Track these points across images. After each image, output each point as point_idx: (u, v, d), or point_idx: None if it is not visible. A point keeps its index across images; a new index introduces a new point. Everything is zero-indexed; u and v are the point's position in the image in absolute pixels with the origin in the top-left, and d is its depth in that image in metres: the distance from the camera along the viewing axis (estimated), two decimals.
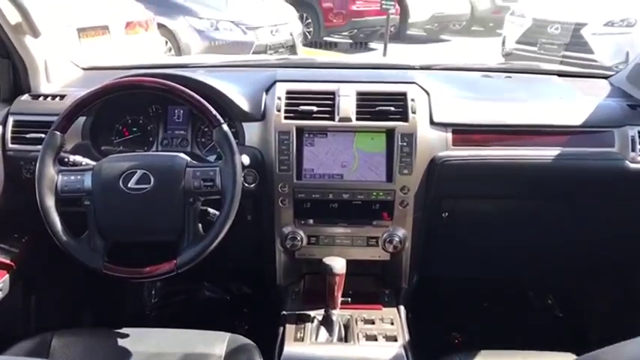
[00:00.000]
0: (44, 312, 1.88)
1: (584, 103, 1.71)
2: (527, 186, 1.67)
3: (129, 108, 1.73)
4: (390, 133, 1.59)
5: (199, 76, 1.67)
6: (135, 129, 1.76)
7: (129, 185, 1.38)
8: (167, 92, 1.44)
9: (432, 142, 1.60)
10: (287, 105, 1.61)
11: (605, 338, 2.00)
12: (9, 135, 1.67)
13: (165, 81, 1.45)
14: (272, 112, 1.61)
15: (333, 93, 1.62)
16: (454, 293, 2.17)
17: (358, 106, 1.60)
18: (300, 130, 1.59)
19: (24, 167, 1.65)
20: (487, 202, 1.73)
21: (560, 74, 2.02)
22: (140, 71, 1.68)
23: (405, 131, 1.57)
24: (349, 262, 1.47)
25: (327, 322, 1.52)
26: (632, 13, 6.79)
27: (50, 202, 1.37)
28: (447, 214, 1.70)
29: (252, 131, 1.64)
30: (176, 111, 1.76)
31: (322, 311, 1.53)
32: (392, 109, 1.60)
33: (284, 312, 1.59)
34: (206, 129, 1.73)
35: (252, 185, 1.60)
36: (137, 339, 1.46)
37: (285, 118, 1.60)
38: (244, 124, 1.65)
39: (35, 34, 1.65)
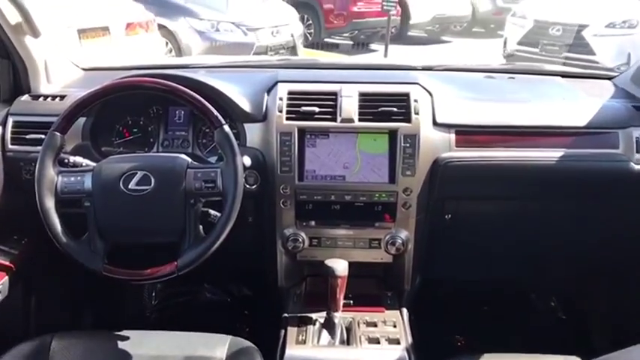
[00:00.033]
0: (44, 314, 1.87)
1: (588, 104, 1.70)
2: (530, 187, 1.65)
3: (129, 109, 1.72)
4: (392, 134, 1.57)
5: (200, 76, 1.66)
6: (135, 130, 1.75)
7: (129, 186, 1.37)
8: (168, 93, 1.43)
9: (435, 143, 1.59)
10: (289, 106, 1.60)
11: (609, 340, 2.01)
12: (9, 136, 1.66)
13: (166, 81, 1.43)
14: (273, 113, 1.60)
15: (335, 93, 1.61)
16: (456, 295, 2.16)
17: (360, 106, 1.59)
18: (301, 131, 1.58)
19: (24, 168, 1.63)
20: (490, 203, 1.71)
21: (564, 75, 2.01)
22: (141, 72, 1.67)
23: (407, 132, 1.56)
24: (351, 264, 1.46)
25: (329, 325, 1.50)
26: (634, 15, 6.78)
27: (50, 203, 1.36)
28: (449, 215, 1.69)
29: (253, 132, 1.63)
30: (177, 112, 1.75)
31: (324, 314, 1.52)
32: (395, 109, 1.58)
33: (285, 314, 1.58)
34: (207, 130, 1.72)
35: (253, 186, 1.59)
36: (137, 341, 1.45)
37: (287, 118, 1.58)
38: (245, 125, 1.63)
39: (35, 34, 1.64)
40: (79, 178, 1.39)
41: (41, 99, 1.73)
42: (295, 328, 1.51)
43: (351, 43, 9.92)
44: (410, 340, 1.50)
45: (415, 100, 1.59)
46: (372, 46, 9.76)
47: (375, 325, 1.53)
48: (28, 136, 1.64)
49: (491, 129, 1.63)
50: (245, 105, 1.64)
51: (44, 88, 1.77)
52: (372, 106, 1.59)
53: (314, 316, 1.54)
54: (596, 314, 2.13)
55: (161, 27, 6.72)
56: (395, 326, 1.54)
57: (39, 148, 1.40)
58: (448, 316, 2.16)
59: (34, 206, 1.36)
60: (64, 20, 5.09)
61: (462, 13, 11.28)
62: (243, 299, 2.31)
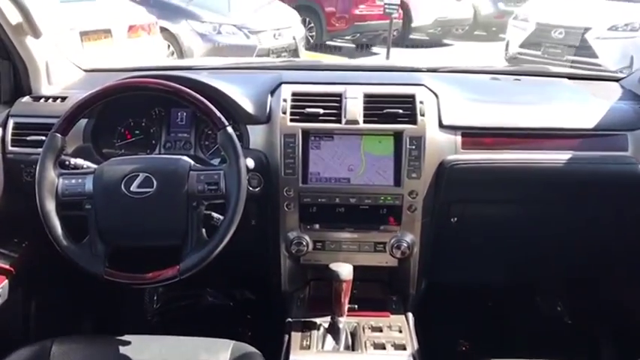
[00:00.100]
0: (44, 318, 1.85)
1: (595, 106, 1.68)
2: (537, 190, 1.63)
3: (131, 110, 1.71)
4: (398, 136, 1.55)
5: (203, 77, 1.64)
6: (137, 132, 1.73)
7: (131, 189, 1.35)
8: (171, 94, 1.42)
9: (440, 145, 1.57)
10: (293, 107, 1.58)
11: (616, 346, 1.98)
12: (9, 137, 1.65)
13: (169, 82, 1.42)
14: (277, 115, 1.58)
15: (339, 95, 1.59)
16: (461, 299, 2.13)
17: (365, 108, 1.57)
18: (306, 133, 1.56)
19: (24, 170, 1.62)
20: (497, 206, 1.69)
21: (570, 77, 1.99)
22: (142, 73, 1.66)
23: (413, 134, 1.54)
24: (356, 268, 1.44)
25: (333, 330, 1.48)
26: (637, 18, 6.78)
27: (50, 206, 1.34)
28: (455, 219, 1.67)
29: (256, 134, 1.61)
30: (179, 113, 1.73)
31: (328, 318, 1.50)
32: (400, 111, 1.56)
33: (289, 319, 1.56)
34: (210, 132, 1.70)
35: (256, 189, 1.57)
36: (139, 346, 1.43)
37: (291, 120, 1.56)
38: (249, 127, 1.62)
39: (36, 34, 1.63)
40: (80, 180, 1.37)
41: (42, 100, 1.72)
42: (299, 333, 1.49)
43: (353, 46, 9.92)
44: (416, 345, 1.48)
45: (421, 102, 1.57)
46: (374, 49, 9.75)
47: (380, 330, 1.51)
48: (28, 138, 1.63)
49: (498, 131, 1.61)
50: (248, 106, 1.62)
51: (45, 89, 1.76)
52: (377, 107, 1.57)
53: (318, 320, 1.52)
54: (604, 319, 2.10)
55: (163, 30, 6.73)
56: (400, 331, 1.51)
57: (39, 149, 1.39)
58: (453, 321, 2.14)
59: (34, 209, 1.34)
60: (66, 22, 5.09)
61: (463, 16, 11.28)
62: (246, 303, 2.29)
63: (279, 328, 1.56)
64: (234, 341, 1.44)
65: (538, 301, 2.26)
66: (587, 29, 6.90)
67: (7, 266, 1.62)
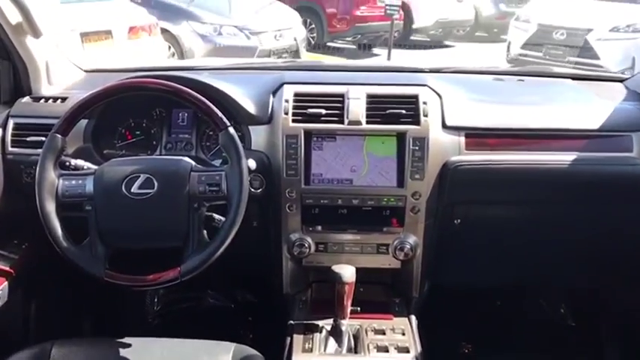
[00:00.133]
0: (44, 320, 1.84)
1: (600, 107, 1.67)
2: (542, 191, 1.62)
3: (132, 111, 1.69)
4: (401, 137, 1.54)
5: (204, 78, 1.63)
6: (138, 132, 1.72)
7: (132, 190, 1.34)
8: (172, 94, 1.40)
9: (444, 146, 1.56)
10: (295, 108, 1.57)
11: (619, 348, 1.97)
12: (9, 138, 1.63)
13: (170, 82, 1.41)
14: (279, 115, 1.57)
15: (342, 95, 1.58)
16: (464, 302, 2.12)
17: (368, 109, 1.56)
18: (308, 134, 1.55)
19: (24, 171, 1.61)
20: (500, 208, 1.68)
21: (574, 77, 1.97)
22: (143, 73, 1.64)
23: (416, 135, 1.52)
24: (358, 270, 1.42)
25: (336, 333, 1.47)
26: (638, 19, 6.77)
27: (50, 207, 1.33)
28: (459, 220, 1.65)
29: (258, 135, 1.60)
30: (180, 114, 1.72)
31: (331, 321, 1.48)
32: (403, 112, 1.55)
33: (291, 321, 1.55)
34: (211, 132, 1.69)
35: (258, 190, 1.56)
36: (139, 349, 1.42)
37: (293, 121, 1.55)
38: (251, 128, 1.61)
39: (36, 34, 1.61)
40: (80, 181, 1.36)
41: (42, 101, 1.71)
42: (301, 336, 1.48)
43: (354, 47, 9.91)
44: (419, 348, 1.47)
45: (424, 103, 1.56)
46: (375, 50, 9.73)
47: (383, 332, 1.50)
48: (28, 139, 1.62)
49: (502, 132, 1.60)
50: (250, 107, 1.61)
51: (45, 89, 1.74)
52: (380, 108, 1.56)
53: (320, 323, 1.51)
54: (607, 321, 2.09)
55: (164, 31, 6.73)
56: (404, 334, 1.50)
57: (40, 150, 1.38)
58: (455, 323, 2.13)
59: (34, 210, 1.33)
60: (67, 23, 5.09)
61: (464, 18, 11.26)
62: (247, 305, 2.28)
63: (281, 331, 1.55)
64: (235, 344, 1.43)
65: (541, 304, 2.25)
66: (588, 30, 6.89)
67: (7, 268, 1.61)
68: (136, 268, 1.35)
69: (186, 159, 1.40)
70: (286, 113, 1.56)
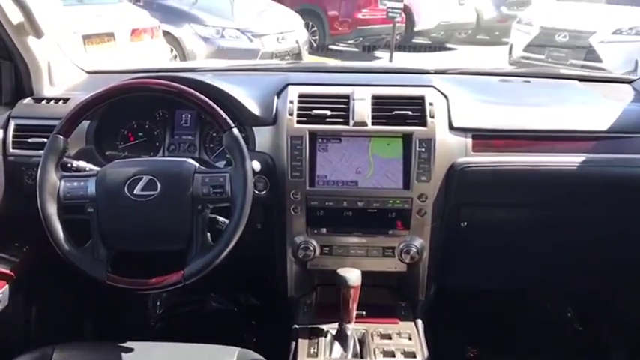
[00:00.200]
0: (45, 324, 1.82)
1: (608, 108, 1.65)
2: (549, 194, 1.60)
3: (135, 112, 1.68)
4: (407, 139, 1.52)
5: (208, 79, 1.62)
6: (141, 134, 1.71)
7: (134, 192, 1.32)
8: (175, 95, 1.39)
9: (451, 147, 1.54)
10: (299, 109, 1.55)
11: (626, 352, 1.94)
12: (10, 139, 1.62)
13: (173, 83, 1.39)
14: (284, 117, 1.55)
15: (347, 96, 1.56)
16: (469, 305, 2.10)
17: (374, 110, 1.54)
18: (313, 135, 1.53)
19: (25, 173, 1.60)
20: (508, 210, 1.66)
21: (581, 79, 1.96)
22: (146, 74, 1.63)
23: (423, 136, 1.51)
24: (364, 274, 1.41)
25: (341, 337, 1.45)
26: None
27: (52, 209, 1.32)
28: (465, 223, 1.63)
29: (262, 136, 1.58)
30: (183, 115, 1.70)
31: (336, 325, 1.46)
32: (409, 113, 1.53)
33: (296, 325, 1.53)
34: (214, 134, 1.68)
35: (262, 192, 1.54)
36: (141, 353, 1.40)
37: (298, 122, 1.53)
38: (255, 129, 1.59)
39: (38, 34, 1.60)
40: (82, 183, 1.34)
41: (44, 102, 1.70)
42: (306, 340, 1.46)
43: (356, 50, 9.91)
44: (426, 353, 1.45)
45: (430, 104, 1.54)
46: (377, 53, 9.72)
47: (389, 337, 1.48)
48: (30, 140, 1.60)
49: (510, 133, 1.58)
50: (254, 108, 1.59)
51: (47, 90, 1.73)
52: (386, 109, 1.54)
53: (325, 327, 1.49)
54: (614, 325, 2.07)
55: (166, 33, 6.75)
56: (410, 338, 1.48)
57: (41, 152, 1.36)
58: (461, 327, 2.10)
59: (35, 212, 1.32)
60: (70, 26, 5.09)
61: (466, 21, 11.26)
62: (251, 309, 2.26)
63: (285, 335, 1.53)
64: (239, 348, 1.41)
65: (548, 307, 2.23)
66: (591, 33, 6.88)
67: (8, 271, 1.60)
68: (139, 271, 1.34)
69: (190, 160, 1.39)
70: (291, 114, 1.54)
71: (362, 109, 1.53)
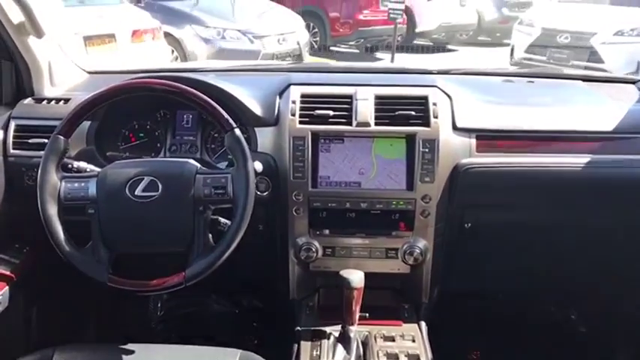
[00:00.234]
0: (45, 326, 1.81)
1: (614, 108, 1.64)
2: (555, 195, 1.59)
3: (136, 112, 1.67)
4: (410, 139, 1.51)
5: (210, 79, 1.60)
6: (142, 134, 1.70)
7: (136, 193, 1.32)
8: (177, 95, 1.38)
9: (454, 148, 1.53)
10: (302, 109, 1.54)
11: (632, 355, 1.92)
12: (10, 140, 1.61)
13: (174, 83, 1.38)
14: (286, 117, 1.54)
15: (350, 96, 1.55)
16: (473, 307, 2.08)
17: (377, 110, 1.53)
18: (315, 136, 1.52)
19: (26, 174, 1.59)
20: (512, 212, 1.64)
21: (585, 79, 1.94)
22: (148, 74, 1.62)
23: (426, 137, 1.49)
24: (366, 275, 1.39)
25: (344, 339, 1.43)
26: None
27: (52, 210, 1.31)
28: (469, 224, 1.62)
29: (265, 136, 1.57)
30: (185, 116, 1.69)
31: (339, 327, 1.44)
32: (413, 113, 1.52)
33: (298, 328, 1.52)
34: (216, 135, 1.67)
35: (264, 193, 1.53)
36: (142, 355, 1.39)
37: (300, 122, 1.52)
38: (257, 129, 1.58)
39: (39, 34, 1.59)
40: (83, 184, 1.34)
41: (44, 102, 1.69)
42: (309, 343, 1.45)
43: (357, 51, 9.91)
44: (430, 355, 1.43)
45: (434, 104, 1.53)
46: (378, 54, 9.73)
47: (392, 339, 1.47)
48: (30, 141, 1.60)
49: (514, 134, 1.56)
50: (256, 108, 1.58)
51: (48, 91, 1.72)
52: (389, 109, 1.53)
53: (328, 329, 1.48)
54: (620, 327, 2.05)
55: (167, 35, 6.74)
56: (414, 341, 1.47)
57: (42, 152, 1.35)
58: (464, 329, 2.09)
59: (36, 213, 1.31)
60: (71, 27, 5.09)
61: (467, 22, 11.27)
62: (252, 311, 2.25)
63: (288, 337, 1.52)
64: (241, 350, 1.39)
65: (552, 310, 2.21)
66: (592, 34, 6.87)
67: (8, 272, 1.59)
68: (140, 272, 1.33)
69: (192, 161, 1.38)
70: (293, 115, 1.53)
71: (365, 109, 1.52)
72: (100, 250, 1.31)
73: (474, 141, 1.55)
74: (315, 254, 1.54)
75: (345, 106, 1.54)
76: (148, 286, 1.32)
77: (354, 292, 1.36)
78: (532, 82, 1.92)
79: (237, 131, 1.35)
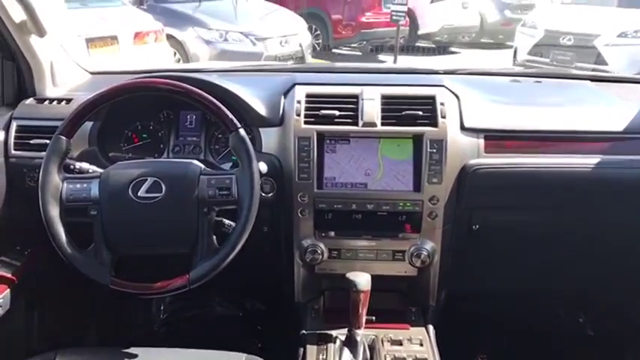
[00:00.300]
0: (47, 329, 1.80)
1: (624, 108, 1.62)
2: (564, 196, 1.56)
3: (139, 113, 1.65)
4: (417, 139, 1.49)
5: (214, 79, 1.59)
6: (145, 135, 1.68)
7: (139, 194, 1.30)
8: (181, 95, 1.36)
9: (462, 148, 1.51)
10: (307, 109, 1.52)
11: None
12: (12, 141, 1.60)
13: (178, 82, 1.36)
14: (291, 117, 1.52)
15: (356, 96, 1.53)
16: (480, 310, 2.05)
17: (383, 110, 1.51)
18: (321, 136, 1.50)
19: (27, 175, 1.57)
20: (521, 213, 1.62)
21: (593, 79, 1.92)
22: (152, 74, 1.60)
23: (434, 137, 1.47)
24: (373, 278, 1.36)
25: (350, 343, 1.40)
26: None
27: (54, 211, 1.29)
28: (477, 226, 1.59)
29: (269, 137, 1.55)
30: (188, 116, 1.68)
31: (345, 331, 1.42)
32: (420, 113, 1.50)
33: (304, 331, 1.49)
34: (220, 135, 1.65)
35: (269, 194, 1.51)
36: (145, 359, 1.37)
37: (305, 123, 1.50)
38: (261, 130, 1.56)
39: (41, 33, 1.57)
40: (85, 185, 1.32)
41: (46, 102, 1.68)
42: (315, 346, 1.43)
43: (359, 53, 9.90)
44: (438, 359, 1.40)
45: (441, 103, 1.51)
46: (381, 56, 9.72)
47: (400, 343, 1.44)
48: (32, 141, 1.58)
49: (523, 134, 1.54)
50: (261, 108, 1.56)
51: (50, 91, 1.71)
52: (396, 109, 1.51)
53: (334, 333, 1.46)
54: (628, 331, 2.02)
55: (169, 37, 6.74)
56: (422, 345, 1.44)
57: (43, 153, 1.34)
58: (471, 333, 2.06)
59: (37, 215, 1.29)
60: (73, 29, 5.08)
61: (470, 24, 11.24)
62: (256, 314, 2.23)
63: (293, 341, 1.50)
64: (245, 354, 1.38)
65: (560, 313, 2.18)
66: (596, 36, 6.86)
67: (9, 275, 1.57)
68: (143, 275, 1.31)
69: (196, 162, 1.37)
70: (298, 115, 1.51)
71: (371, 109, 1.50)
72: (102, 252, 1.30)
73: (482, 141, 1.53)
74: (320, 256, 1.52)
75: (351, 106, 1.52)
76: (151, 288, 1.30)
77: (361, 294, 1.33)
78: (540, 82, 1.90)
79: (242, 131, 1.33)
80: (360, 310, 1.35)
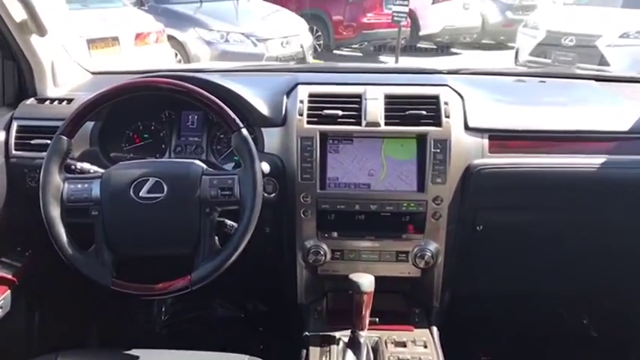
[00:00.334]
0: (48, 331, 1.79)
1: (629, 108, 1.61)
2: (569, 197, 1.55)
3: (140, 113, 1.64)
4: (421, 139, 1.47)
5: (216, 79, 1.58)
6: (146, 135, 1.67)
7: (140, 194, 1.29)
8: (183, 94, 1.35)
9: (467, 148, 1.49)
10: (310, 109, 1.51)
11: None
12: (12, 141, 1.59)
13: (180, 82, 1.35)
14: (294, 117, 1.51)
15: (359, 96, 1.52)
16: (484, 311, 2.04)
17: (387, 109, 1.50)
18: (323, 136, 1.49)
19: (28, 175, 1.56)
20: (525, 213, 1.60)
21: (598, 79, 1.91)
22: (153, 74, 1.59)
23: (438, 137, 1.46)
24: (376, 279, 1.35)
25: (353, 345, 1.39)
26: None
27: (55, 212, 1.28)
28: (482, 226, 1.58)
29: (272, 137, 1.54)
30: (190, 116, 1.67)
31: (348, 332, 1.41)
32: (424, 113, 1.49)
33: (306, 333, 1.48)
34: (222, 135, 1.64)
35: (272, 195, 1.50)
36: None
37: (308, 122, 1.49)
38: (264, 130, 1.55)
39: (42, 32, 1.56)
40: (86, 185, 1.31)
41: (47, 102, 1.67)
42: (317, 348, 1.42)
43: (360, 54, 9.90)
44: None
45: (445, 103, 1.49)
46: (382, 57, 9.72)
47: (404, 345, 1.43)
48: (32, 142, 1.57)
49: (528, 134, 1.53)
50: (263, 108, 1.55)
51: (50, 91, 1.70)
52: (399, 109, 1.50)
53: (337, 334, 1.45)
54: (631, 333, 2.01)
55: (171, 38, 6.74)
56: (426, 346, 1.43)
57: (44, 153, 1.33)
58: (474, 334, 2.05)
59: (38, 216, 1.28)
60: (74, 30, 5.08)
61: (471, 25, 11.23)
62: (259, 315, 2.21)
63: (295, 342, 1.49)
64: (247, 356, 1.37)
65: (563, 314, 2.17)
66: (598, 37, 6.85)
67: (10, 276, 1.56)
68: (145, 276, 1.30)
69: (197, 162, 1.36)
70: (301, 114, 1.50)
71: (374, 108, 1.49)
72: (103, 253, 1.29)
73: (486, 141, 1.51)
74: (323, 257, 1.51)
75: (354, 105, 1.51)
76: (152, 290, 1.29)
77: (365, 296, 1.32)
78: (544, 81, 1.89)
79: (244, 131, 1.32)
80: (364, 312, 1.35)
